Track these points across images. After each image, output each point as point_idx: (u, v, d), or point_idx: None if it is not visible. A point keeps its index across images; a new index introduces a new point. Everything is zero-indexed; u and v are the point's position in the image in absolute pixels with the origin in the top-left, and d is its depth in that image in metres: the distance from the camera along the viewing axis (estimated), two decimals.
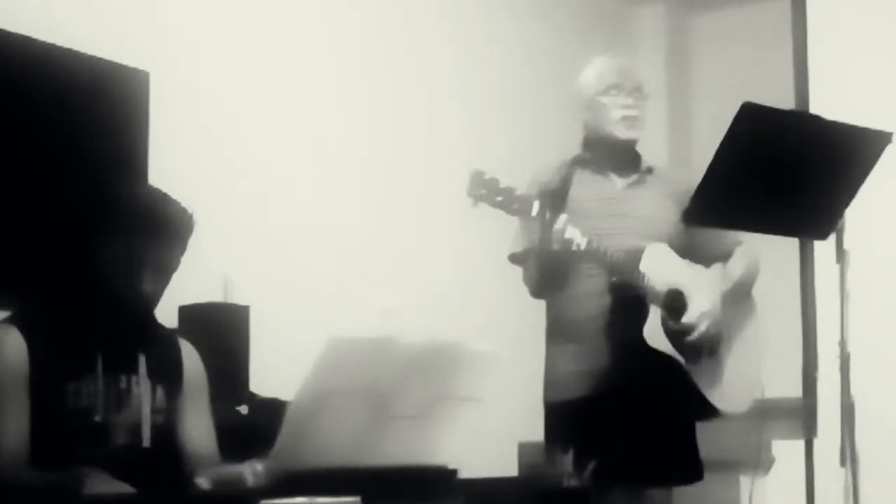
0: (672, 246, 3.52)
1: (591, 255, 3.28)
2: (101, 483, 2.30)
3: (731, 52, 5.84)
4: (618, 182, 3.61)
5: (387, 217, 4.67)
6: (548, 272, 3.38)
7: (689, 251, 3.56)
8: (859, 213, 3.39)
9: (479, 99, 5.15)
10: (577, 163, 3.56)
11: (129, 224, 2.55)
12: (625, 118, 3.55)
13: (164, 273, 2.61)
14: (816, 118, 3.31)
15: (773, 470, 5.01)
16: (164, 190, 2.66)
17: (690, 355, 3.45)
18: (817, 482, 3.80)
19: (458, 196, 3.14)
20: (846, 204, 3.33)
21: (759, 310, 3.69)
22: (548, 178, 3.37)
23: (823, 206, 3.32)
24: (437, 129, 4.94)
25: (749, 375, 3.61)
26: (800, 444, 4.06)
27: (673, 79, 6.06)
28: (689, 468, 3.56)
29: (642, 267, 3.38)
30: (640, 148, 3.66)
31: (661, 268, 3.43)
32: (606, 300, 3.43)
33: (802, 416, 4.25)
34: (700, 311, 3.45)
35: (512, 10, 5.42)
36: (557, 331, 3.57)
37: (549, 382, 3.54)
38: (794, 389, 4.42)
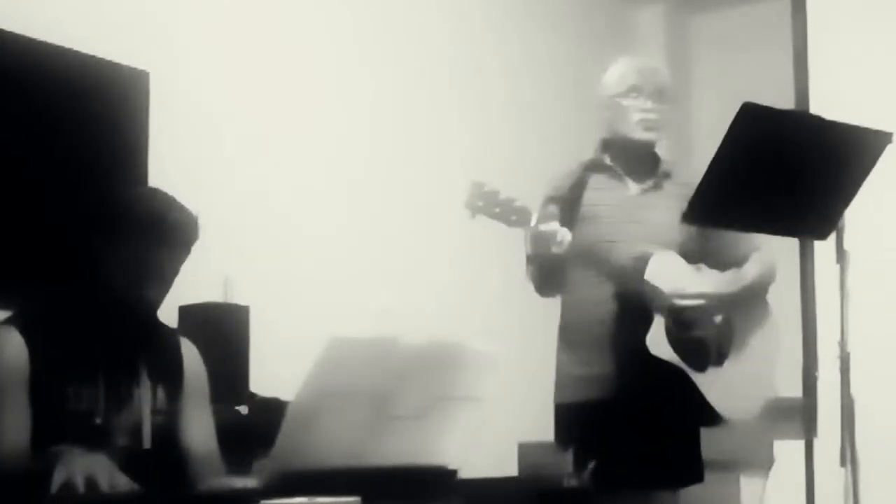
0: (686, 251, 3.50)
1: (596, 262, 3.27)
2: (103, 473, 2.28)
3: (731, 52, 5.84)
4: (633, 187, 3.60)
5: (387, 217, 4.67)
6: (543, 272, 3.40)
7: (704, 256, 3.55)
8: (859, 213, 3.39)
9: (479, 101, 5.15)
10: (593, 166, 3.57)
11: (135, 228, 2.55)
12: (643, 121, 3.55)
13: (168, 277, 2.61)
14: (816, 118, 3.30)
15: (773, 470, 5.01)
16: (171, 194, 2.65)
17: (695, 364, 3.43)
18: (817, 482, 3.80)
19: (459, 197, 3.14)
20: (846, 204, 3.33)
21: (775, 315, 3.65)
22: (563, 181, 3.36)
23: (823, 206, 3.31)
24: (437, 129, 4.94)
25: (760, 381, 3.59)
26: (800, 444, 4.07)
27: (673, 79, 6.04)
28: (690, 470, 3.56)
29: (647, 275, 3.37)
30: (658, 151, 3.64)
31: (668, 275, 3.41)
32: (611, 307, 3.42)
33: (802, 416, 4.26)
34: (701, 304, 3.43)
35: (511, 12, 5.42)
36: (566, 335, 3.58)
37: (558, 385, 3.56)
38: (794, 389, 4.42)
